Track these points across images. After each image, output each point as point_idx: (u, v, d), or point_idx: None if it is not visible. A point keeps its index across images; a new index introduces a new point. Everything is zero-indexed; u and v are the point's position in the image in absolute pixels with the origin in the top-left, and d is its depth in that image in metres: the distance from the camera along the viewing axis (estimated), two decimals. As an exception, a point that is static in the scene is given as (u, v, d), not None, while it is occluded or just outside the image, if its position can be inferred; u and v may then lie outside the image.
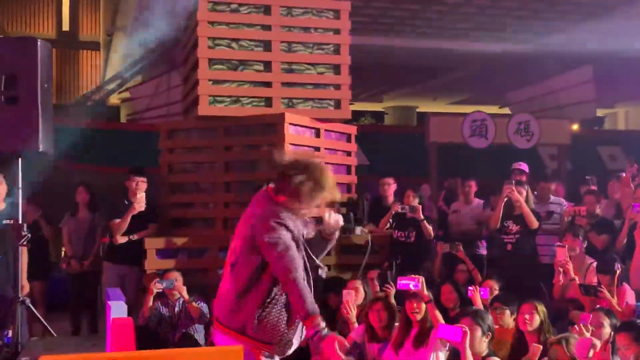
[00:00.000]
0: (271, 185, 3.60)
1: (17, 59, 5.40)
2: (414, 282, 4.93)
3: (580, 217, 6.79)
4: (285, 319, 3.49)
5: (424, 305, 4.97)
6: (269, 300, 3.44)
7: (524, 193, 6.67)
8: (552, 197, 7.49)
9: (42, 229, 7.62)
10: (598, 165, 12.98)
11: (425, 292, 4.95)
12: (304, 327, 3.41)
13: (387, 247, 7.07)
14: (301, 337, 3.59)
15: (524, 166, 8.06)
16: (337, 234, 3.72)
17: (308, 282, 3.49)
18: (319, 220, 3.63)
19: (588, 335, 4.23)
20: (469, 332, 4.15)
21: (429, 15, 13.20)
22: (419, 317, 4.98)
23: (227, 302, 3.51)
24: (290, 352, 3.58)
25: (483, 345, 4.36)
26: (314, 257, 3.59)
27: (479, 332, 4.34)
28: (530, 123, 10.20)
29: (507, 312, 5.13)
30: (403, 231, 7.04)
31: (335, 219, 3.64)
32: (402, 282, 5.01)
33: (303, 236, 3.55)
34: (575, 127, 12.84)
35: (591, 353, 3.77)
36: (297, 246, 3.47)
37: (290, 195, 3.49)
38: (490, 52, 14.82)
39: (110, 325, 3.46)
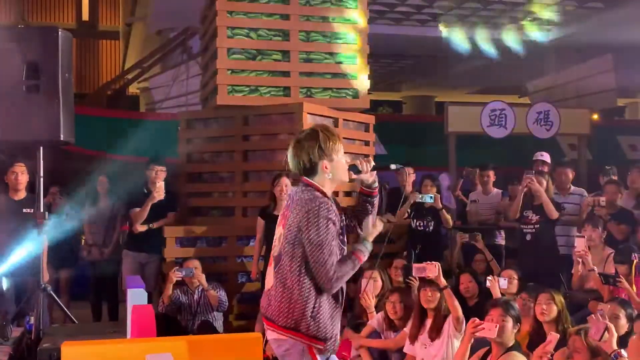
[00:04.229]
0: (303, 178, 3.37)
1: (39, 48, 5.44)
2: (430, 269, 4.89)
3: (600, 207, 6.74)
4: (333, 313, 3.32)
5: (438, 294, 4.95)
6: (320, 295, 3.24)
7: (544, 183, 6.63)
8: (572, 188, 7.43)
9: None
10: (618, 155, 12.86)
11: (442, 278, 4.91)
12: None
13: (406, 236, 7.07)
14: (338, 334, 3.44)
15: (546, 156, 8.00)
16: (377, 183, 3.56)
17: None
18: (352, 167, 3.43)
19: None
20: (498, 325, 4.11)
21: (446, 3, 13.12)
22: (432, 305, 4.97)
23: (276, 300, 3.28)
24: (335, 348, 3.40)
25: (512, 336, 4.25)
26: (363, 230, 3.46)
27: (510, 324, 4.21)
28: (550, 112, 10.11)
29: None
30: (421, 220, 7.04)
31: (369, 165, 3.48)
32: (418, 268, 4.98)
33: (343, 222, 3.39)
34: (595, 116, 12.72)
35: (605, 337, 3.72)
36: (341, 234, 3.33)
37: (319, 167, 3.30)
38: (509, 41, 14.69)
39: (132, 313, 3.49)
